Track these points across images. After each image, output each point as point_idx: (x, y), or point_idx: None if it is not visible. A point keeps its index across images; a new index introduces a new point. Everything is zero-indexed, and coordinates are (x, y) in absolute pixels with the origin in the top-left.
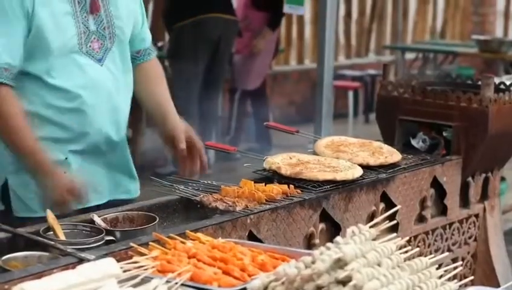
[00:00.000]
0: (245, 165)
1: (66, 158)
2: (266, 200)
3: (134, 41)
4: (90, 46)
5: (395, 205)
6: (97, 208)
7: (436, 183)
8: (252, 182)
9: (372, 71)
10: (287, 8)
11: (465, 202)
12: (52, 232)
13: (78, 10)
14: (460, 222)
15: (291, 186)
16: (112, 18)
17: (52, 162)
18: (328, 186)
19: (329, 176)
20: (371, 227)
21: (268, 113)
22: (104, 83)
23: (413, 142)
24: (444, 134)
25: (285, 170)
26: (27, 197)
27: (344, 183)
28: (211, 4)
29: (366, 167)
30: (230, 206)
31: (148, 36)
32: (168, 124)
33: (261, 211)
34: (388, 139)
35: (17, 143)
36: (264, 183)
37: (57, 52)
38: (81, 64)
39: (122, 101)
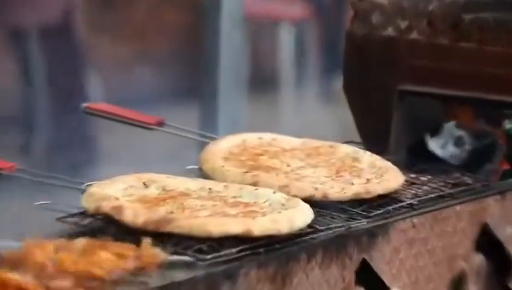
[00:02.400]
0: (37, 203)
1: None
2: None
3: None
4: None
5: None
6: None
7: (487, 242)
8: (52, 245)
9: None
10: None
11: None
12: None
13: None
14: None
15: (146, 247)
16: None
17: None
18: (234, 250)
19: (235, 226)
20: None
21: (85, 80)
22: None
23: (433, 144)
24: (508, 125)
25: (134, 214)
26: None
27: (271, 242)
28: None
29: (321, 205)
30: None
31: None
32: None
33: None
34: (373, 138)
35: None
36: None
37: None
38: None
39: None
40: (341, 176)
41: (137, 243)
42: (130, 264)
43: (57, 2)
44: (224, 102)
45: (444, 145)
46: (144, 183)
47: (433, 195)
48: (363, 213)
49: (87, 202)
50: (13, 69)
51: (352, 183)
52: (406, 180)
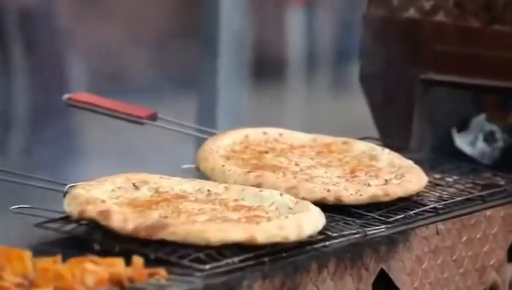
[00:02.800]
0: (13, 208)
1: None
2: None
3: None
4: None
5: None
6: None
7: None
8: (27, 255)
9: None
10: None
11: None
12: None
13: None
14: None
15: (138, 260)
16: None
17: None
18: (236, 260)
19: (237, 233)
20: None
21: (67, 67)
22: None
23: (461, 140)
24: None
25: (123, 220)
26: None
27: (277, 251)
28: None
29: (334, 209)
30: None
31: None
32: None
33: None
34: (393, 133)
35: None
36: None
37: None
38: None
39: None
40: (356, 177)
41: (127, 252)
42: (119, 276)
43: None
44: (224, 93)
45: (473, 141)
46: (134, 185)
47: (460, 198)
48: (381, 218)
49: (70, 206)
50: None
51: (369, 185)
52: (429, 181)
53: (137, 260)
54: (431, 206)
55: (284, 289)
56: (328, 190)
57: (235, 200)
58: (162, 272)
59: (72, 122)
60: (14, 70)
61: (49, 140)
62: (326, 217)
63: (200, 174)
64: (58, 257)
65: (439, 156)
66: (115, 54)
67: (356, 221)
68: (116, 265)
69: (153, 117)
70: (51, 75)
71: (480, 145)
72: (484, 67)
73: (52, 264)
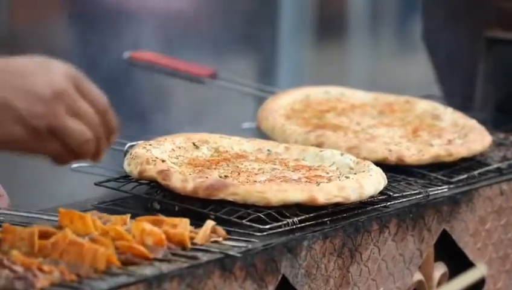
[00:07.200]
0: (73, 166)
1: None
2: (124, 261)
3: None
4: None
5: (474, 265)
6: None
7: None
8: (89, 214)
9: None
10: None
11: None
12: None
13: None
14: None
15: (210, 223)
16: None
17: None
18: (296, 220)
19: (298, 193)
20: None
21: (129, 25)
22: None
23: None
24: None
25: (182, 179)
26: None
27: (338, 211)
28: None
29: (396, 169)
30: (19, 277)
31: None
32: None
33: (117, 288)
34: (456, 92)
35: None
36: (124, 217)
37: None
38: None
39: None
40: (418, 136)
41: (186, 212)
42: (176, 236)
43: None
44: (285, 50)
45: None
46: (194, 144)
47: None
48: (444, 178)
49: (130, 165)
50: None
51: (432, 145)
52: (493, 141)
53: (210, 223)
54: (495, 166)
55: (344, 250)
56: (390, 150)
57: (296, 160)
58: (220, 231)
59: (132, 80)
60: (76, 26)
61: (109, 98)
62: (388, 177)
63: (260, 133)
64: (127, 215)
65: (503, 115)
66: (176, 12)
67: (418, 181)
68: (180, 225)
69: (214, 76)
70: (112, 33)
71: None
72: None
73: (120, 221)
